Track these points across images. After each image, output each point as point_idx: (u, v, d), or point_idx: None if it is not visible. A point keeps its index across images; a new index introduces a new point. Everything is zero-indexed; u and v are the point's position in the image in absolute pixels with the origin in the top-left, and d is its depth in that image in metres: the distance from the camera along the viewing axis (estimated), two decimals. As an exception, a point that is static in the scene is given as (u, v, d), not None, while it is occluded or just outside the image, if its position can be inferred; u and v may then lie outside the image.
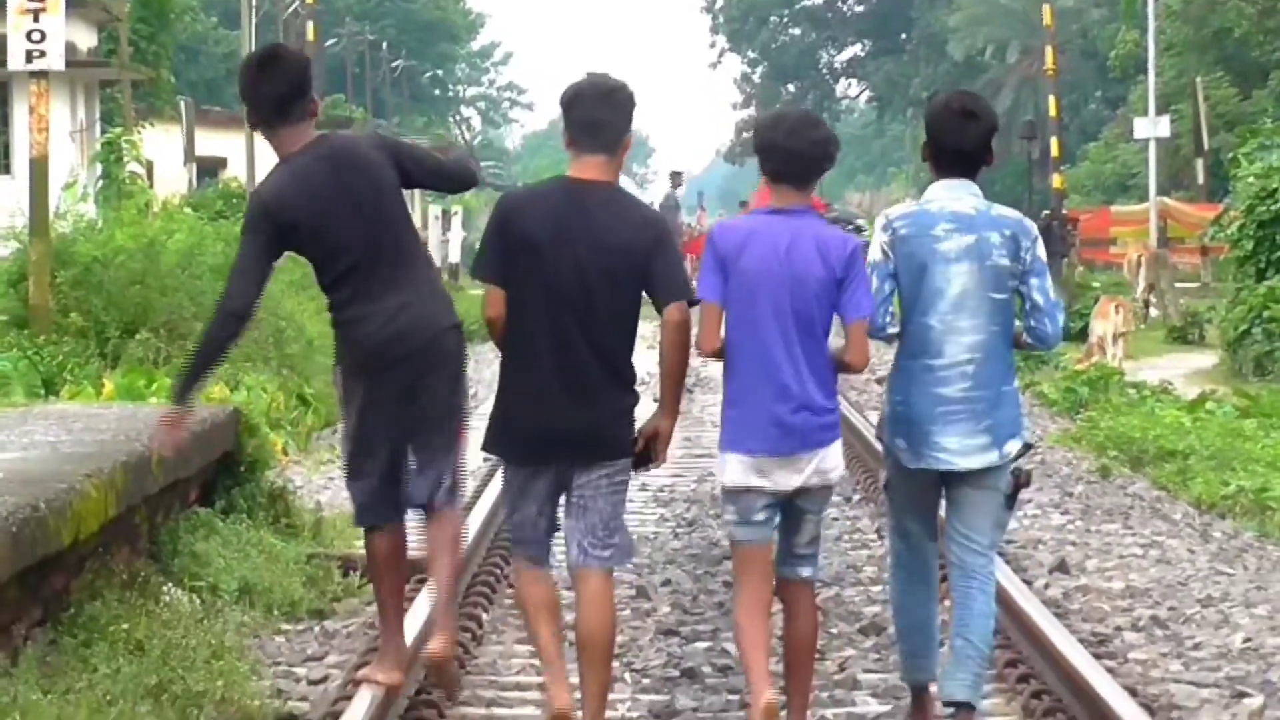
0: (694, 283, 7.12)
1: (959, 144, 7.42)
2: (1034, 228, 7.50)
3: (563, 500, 7.26)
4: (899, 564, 7.64)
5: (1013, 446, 7.36)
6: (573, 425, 7.10)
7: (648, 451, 7.27)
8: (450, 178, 8.02)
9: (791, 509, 7.26)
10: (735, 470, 7.18)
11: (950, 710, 7.42)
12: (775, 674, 7.36)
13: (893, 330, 7.39)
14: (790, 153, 7.23)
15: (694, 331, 7.11)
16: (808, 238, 7.18)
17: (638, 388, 7.26)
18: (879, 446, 7.82)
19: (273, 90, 7.63)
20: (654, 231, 7.14)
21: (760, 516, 7.24)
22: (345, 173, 7.61)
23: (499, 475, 8.17)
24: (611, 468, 7.19)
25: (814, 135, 7.27)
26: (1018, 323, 7.50)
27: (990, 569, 7.49)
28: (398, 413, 7.64)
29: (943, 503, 7.56)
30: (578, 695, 7.19)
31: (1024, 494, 13.77)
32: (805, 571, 7.35)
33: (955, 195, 7.39)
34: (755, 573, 7.29)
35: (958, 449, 7.29)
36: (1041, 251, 7.41)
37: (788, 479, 7.16)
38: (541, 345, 7.08)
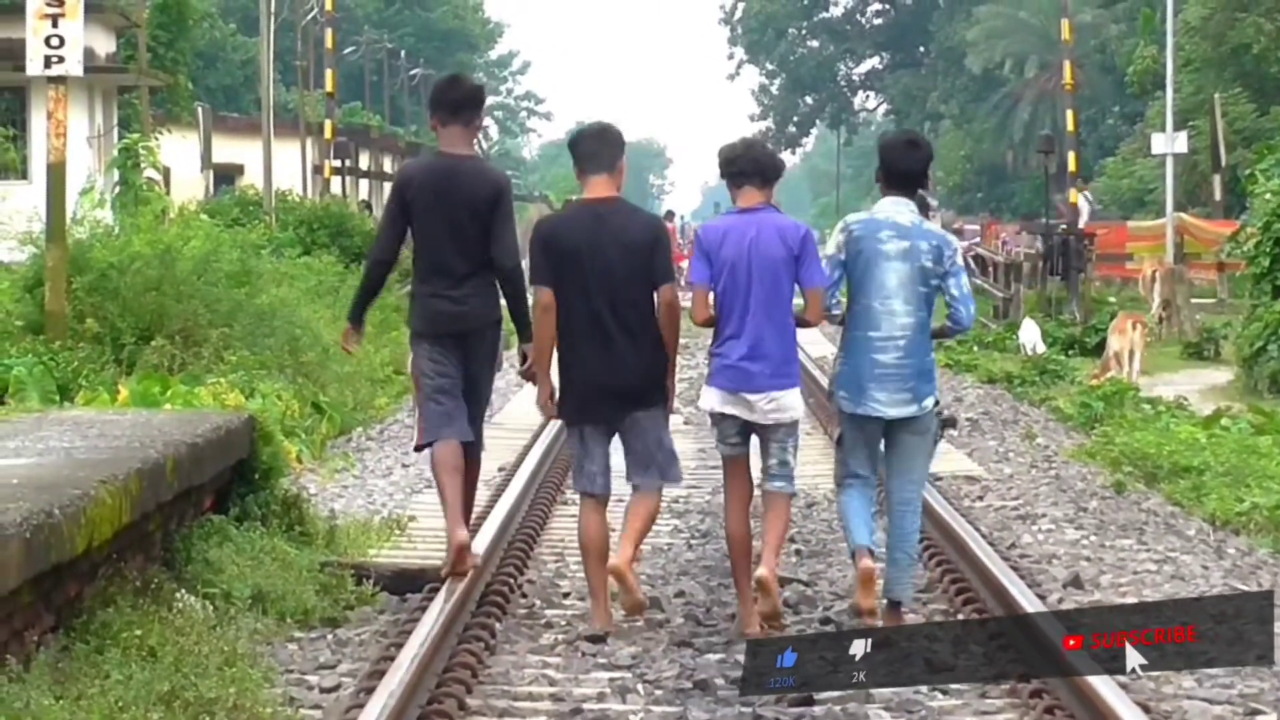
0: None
1: (905, 167, 9.59)
2: (955, 240, 9.79)
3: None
4: (847, 493, 9.71)
5: (929, 402, 9.55)
6: (613, 385, 9.54)
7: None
8: (502, 251, 9.98)
9: (761, 437, 9.68)
10: (714, 400, 9.66)
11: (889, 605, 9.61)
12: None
13: (838, 311, 9.66)
14: (750, 157, 9.62)
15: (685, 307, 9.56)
16: (770, 227, 9.56)
17: None
18: (832, 408, 9.97)
19: (451, 95, 10.12)
20: (654, 231, 9.74)
21: (734, 439, 9.67)
22: (461, 184, 9.97)
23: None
24: (647, 412, 9.63)
25: (767, 149, 9.80)
26: (944, 320, 9.61)
27: (918, 498, 9.76)
28: (451, 369, 10.03)
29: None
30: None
31: (1038, 509, 13.91)
32: (777, 484, 9.72)
33: (897, 210, 9.56)
34: (736, 477, 9.76)
35: (886, 402, 9.51)
36: (960, 259, 9.66)
37: (749, 410, 9.56)
38: (584, 328, 9.52)
